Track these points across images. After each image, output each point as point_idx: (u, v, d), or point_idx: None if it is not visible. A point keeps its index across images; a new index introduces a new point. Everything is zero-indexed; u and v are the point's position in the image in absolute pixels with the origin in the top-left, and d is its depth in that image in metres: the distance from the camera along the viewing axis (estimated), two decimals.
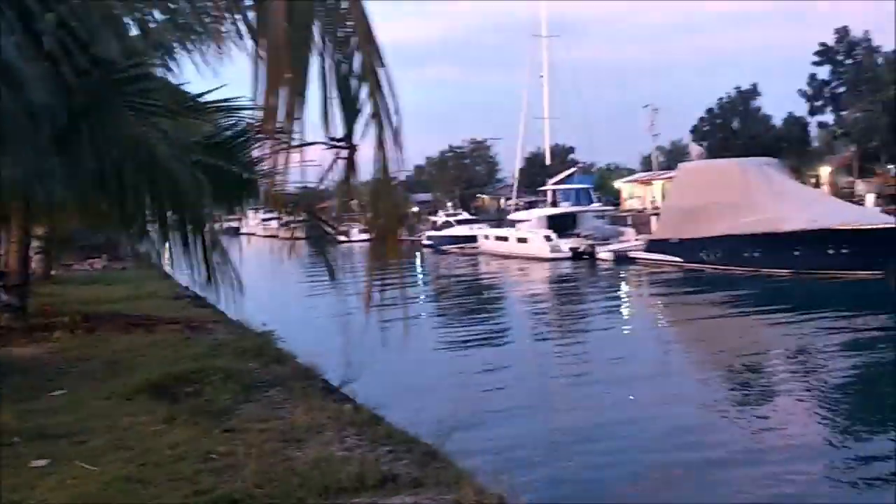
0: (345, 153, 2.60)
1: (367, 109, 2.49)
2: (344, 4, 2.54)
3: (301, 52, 2.25)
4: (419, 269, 50.74)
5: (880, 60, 51.12)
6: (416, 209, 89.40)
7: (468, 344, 21.53)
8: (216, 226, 6.33)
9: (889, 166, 50.92)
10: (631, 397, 14.74)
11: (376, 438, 6.67)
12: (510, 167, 75.10)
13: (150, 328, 13.38)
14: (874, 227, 31.64)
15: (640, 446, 11.78)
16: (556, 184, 57.33)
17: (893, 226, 31.79)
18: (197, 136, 5.89)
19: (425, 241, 67.53)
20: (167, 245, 5.78)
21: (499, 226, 60.99)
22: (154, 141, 4.30)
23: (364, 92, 2.50)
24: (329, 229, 8.20)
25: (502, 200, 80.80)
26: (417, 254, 61.86)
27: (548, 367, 18.75)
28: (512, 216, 57.78)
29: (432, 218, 72.94)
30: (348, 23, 2.50)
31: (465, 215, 69.26)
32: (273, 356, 10.73)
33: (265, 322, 13.24)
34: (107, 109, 4.04)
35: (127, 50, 4.54)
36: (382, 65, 2.46)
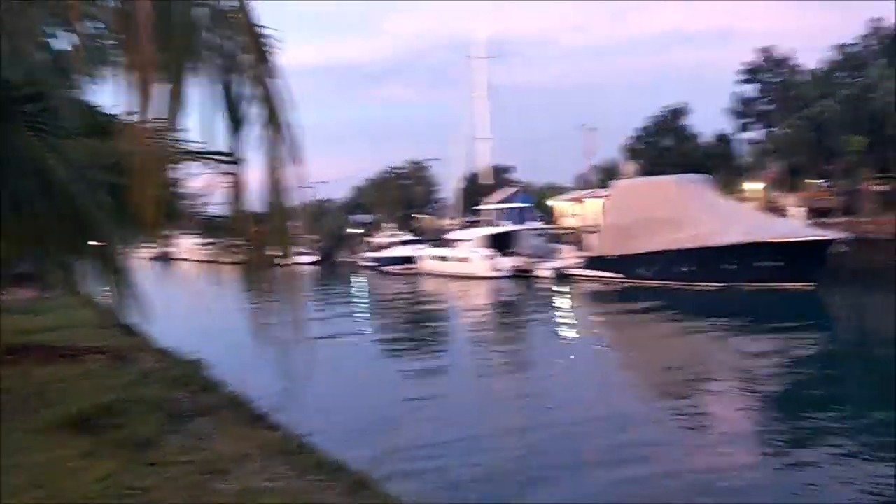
0: (232, 168, 2.47)
1: (255, 122, 2.37)
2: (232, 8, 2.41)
3: (179, 60, 2.11)
4: (358, 291, 50.39)
5: (804, 78, 52.92)
6: (356, 230, 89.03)
7: (407, 367, 21.29)
8: (137, 250, 6.10)
9: (816, 180, 52.60)
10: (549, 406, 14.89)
11: (305, 468, 6.46)
12: (449, 187, 75.34)
13: (76, 358, 12.87)
14: (802, 239, 32.60)
15: (574, 465, 11.84)
16: (496, 203, 57.64)
17: (820, 238, 32.84)
18: (109, 158, 5.66)
19: (366, 262, 67.20)
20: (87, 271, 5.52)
21: (439, 246, 60.96)
22: (53, 163, 4.07)
23: (253, 104, 2.37)
24: (262, 252, 7.97)
25: (442, 220, 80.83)
26: (356, 275, 61.54)
27: (486, 389, 18.71)
28: (452, 236, 57.83)
29: (372, 238, 72.64)
30: (236, 31, 2.37)
31: (405, 236, 69.09)
32: (202, 384, 10.39)
33: (195, 349, 12.87)
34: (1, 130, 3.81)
35: (32, 71, 4.33)
36: (273, 76, 2.34)
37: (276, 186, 2.51)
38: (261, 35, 2.39)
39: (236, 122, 2.47)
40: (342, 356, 24.39)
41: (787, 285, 31.88)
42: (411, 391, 17.75)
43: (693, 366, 19.78)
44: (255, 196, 2.62)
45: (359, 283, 55.35)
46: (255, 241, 2.73)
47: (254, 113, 2.47)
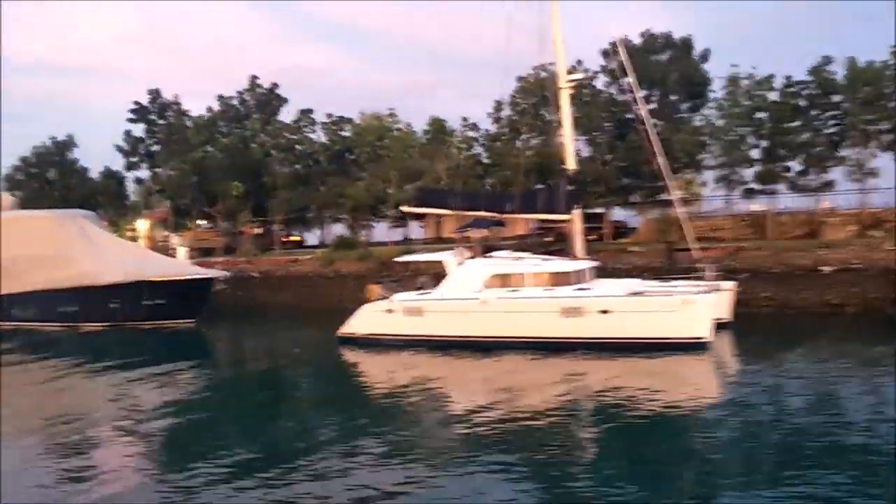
0: None
1: None
2: None
3: None
4: None
5: (189, 123, 55.78)
6: None
7: None
8: None
9: (200, 221, 55.70)
10: None
11: None
12: None
13: None
14: (184, 278, 34.22)
15: None
16: None
17: (201, 277, 34.91)
18: None
19: None
20: None
21: None
22: None
23: None
24: None
25: None
26: None
27: None
28: None
29: None
30: None
31: None
32: None
33: None
34: None
35: None
36: None
37: None
38: None
39: None
40: None
41: (171, 323, 33.09)
42: None
43: (81, 413, 18.72)
44: None
45: None
46: None
47: None
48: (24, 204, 49.50)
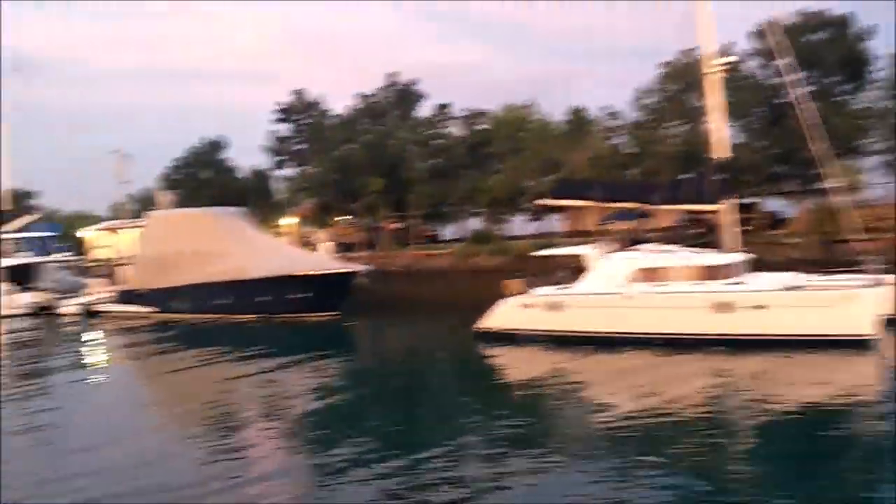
0: None
1: None
2: None
3: None
4: None
5: (330, 122, 57.29)
6: None
7: None
8: None
9: (343, 217, 57.11)
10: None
11: None
12: None
13: None
14: (328, 272, 35.06)
15: None
16: (14, 232, 51.51)
17: (344, 271, 35.66)
18: None
19: None
20: None
21: None
22: None
23: None
24: None
25: None
26: None
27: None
28: None
29: None
30: None
31: None
32: None
33: None
34: None
35: None
36: None
37: None
38: None
39: None
40: None
41: (315, 316, 33.95)
42: None
43: (230, 400, 19.87)
44: None
45: None
46: None
47: None
48: (181, 203, 52.37)
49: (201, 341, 30.08)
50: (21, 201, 68.46)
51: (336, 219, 56.04)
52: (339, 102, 65.40)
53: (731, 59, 33.61)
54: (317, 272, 34.83)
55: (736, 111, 38.33)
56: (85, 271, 51.37)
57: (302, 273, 34.69)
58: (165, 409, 20.47)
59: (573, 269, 26.17)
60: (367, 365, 25.17)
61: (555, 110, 51.49)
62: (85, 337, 34.76)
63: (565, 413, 16.70)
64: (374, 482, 12.12)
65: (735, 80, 39.38)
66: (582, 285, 24.55)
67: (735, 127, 39.92)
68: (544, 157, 44.24)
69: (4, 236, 51.16)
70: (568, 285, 25.15)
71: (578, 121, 47.78)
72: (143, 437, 16.25)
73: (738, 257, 23.92)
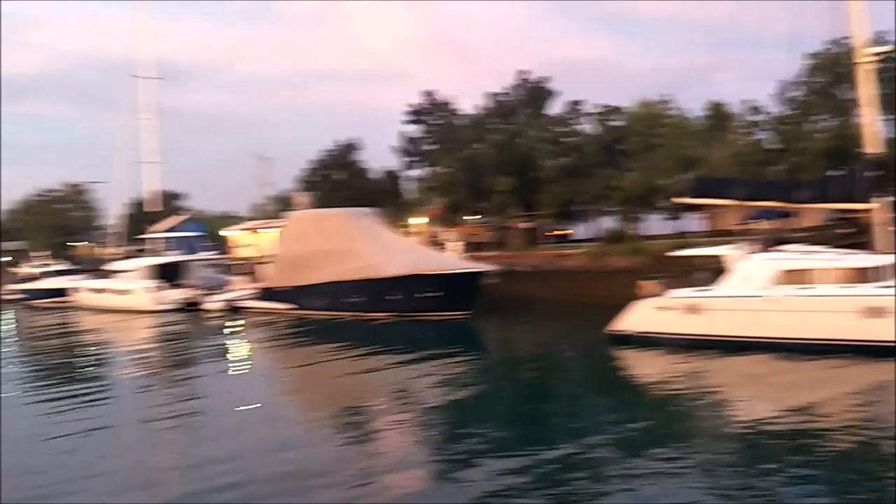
0: None
1: None
2: None
3: None
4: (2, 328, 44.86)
5: (460, 122, 57.62)
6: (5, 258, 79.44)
7: (58, 412, 19.12)
8: None
9: (472, 217, 57.36)
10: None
11: None
12: (113, 213, 70.13)
13: None
14: (458, 271, 35.21)
15: None
16: (164, 231, 54.78)
17: (474, 271, 35.72)
18: None
19: (12, 296, 60.29)
20: None
21: (98, 276, 56.51)
22: None
23: None
24: None
25: (104, 249, 74.94)
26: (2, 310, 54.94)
27: (152, 429, 17.65)
28: (113, 266, 53.85)
29: (21, 269, 65.30)
30: None
31: (59, 265, 62.96)
32: None
33: None
34: None
35: None
36: None
37: None
38: None
39: None
40: None
41: (444, 315, 34.16)
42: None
43: (363, 393, 20.38)
44: None
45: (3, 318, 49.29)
46: None
47: None
48: (317, 203, 54.09)
49: (335, 337, 30.93)
50: (169, 203, 72.70)
51: (465, 218, 56.30)
52: (469, 102, 65.81)
53: (886, 48, 31.39)
54: (447, 271, 35.04)
55: (890, 104, 35.72)
56: (228, 269, 53.96)
57: (433, 272, 34.99)
58: (303, 399, 21.36)
59: (712, 271, 25.12)
60: (496, 363, 25.10)
61: (693, 105, 49.75)
62: (227, 331, 36.41)
63: (700, 416, 16.15)
64: (500, 478, 12.18)
65: (889, 71, 36.78)
66: (721, 287, 23.47)
67: (890, 121, 37.23)
68: (682, 153, 42.76)
69: (154, 236, 54.48)
70: (706, 287, 24.14)
71: (718, 115, 45.88)
72: (282, 424, 17.00)
73: (891, 259, 22.21)
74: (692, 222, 46.23)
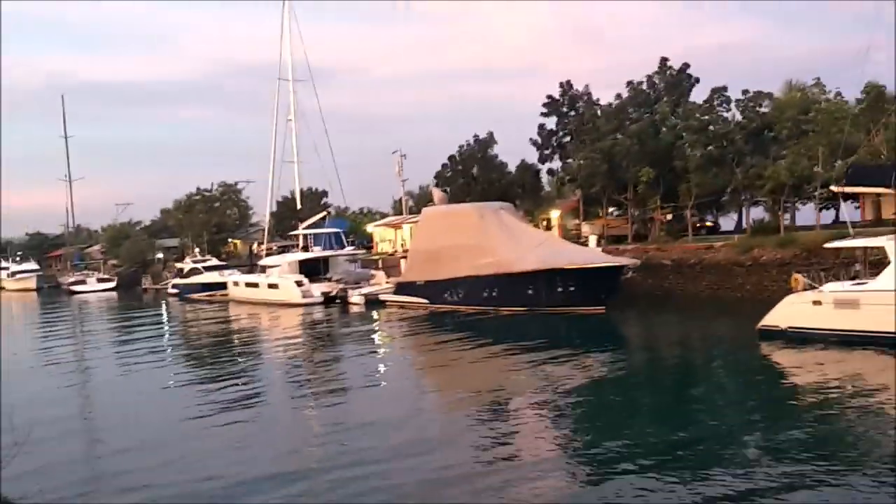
0: None
1: None
2: None
3: None
4: (161, 318, 47.83)
5: (598, 113, 56.27)
6: (161, 254, 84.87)
7: (217, 401, 19.95)
8: None
9: (610, 209, 55.98)
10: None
11: None
12: (263, 211, 73.56)
13: None
14: (595, 266, 34.44)
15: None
16: (308, 228, 56.84)
17: (612, 265, 34.85)
18: None
19: (171, 290, 64.30)
20: None
21: (250, 272, 59.41)
22: None
23: None
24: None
25: (254, 245, 78.69)
26: (163, 302, 58.65)
27: (302, 417, 18.40)
28: (263, 262, 56.44)
29: (179, 264, 69.55)
30: None
31: (214, 261, 66.62)
32: None
33: None
34: None
35: None
36: None
37: None
38: None
39: None
40: (137, 386, 23.21)
41: (582, 309, 33.47)
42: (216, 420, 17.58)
43: (503, 386, 20.24)
44: None
45: (162, 311, 52.60)
46: None
47: None
48: (452, 198, 54.43)
49: (471, 331, 30.87)
50: (314, 200, 75.33)
51: (605, 211, 55.07)
52: (606, 93, 64.19)
53: None
54: (584, 266, 34.34)
55: None
56: (369, 264, 55.32)
57: (569, 266, 34.40)
58: (442, 392, 21.60)
59: (870, 263, 23.36)
60: (634, 361, 24.23)
61: (847, 88, 46.44)
62: (368, 324, 37.23)
63: (859, 420, 14.90)
64: (641, 477, 11.90)
65: None
66: (880, 281, 21.75)
67: None
68: (836, 140, 39.99)
69: (301, 232, 56.60)
70: (864, 280, 22.47)
71: (876, 99, 42.54)
72: (422, 418, 17.37)
73: None
74: (849, 212, 43.18)
